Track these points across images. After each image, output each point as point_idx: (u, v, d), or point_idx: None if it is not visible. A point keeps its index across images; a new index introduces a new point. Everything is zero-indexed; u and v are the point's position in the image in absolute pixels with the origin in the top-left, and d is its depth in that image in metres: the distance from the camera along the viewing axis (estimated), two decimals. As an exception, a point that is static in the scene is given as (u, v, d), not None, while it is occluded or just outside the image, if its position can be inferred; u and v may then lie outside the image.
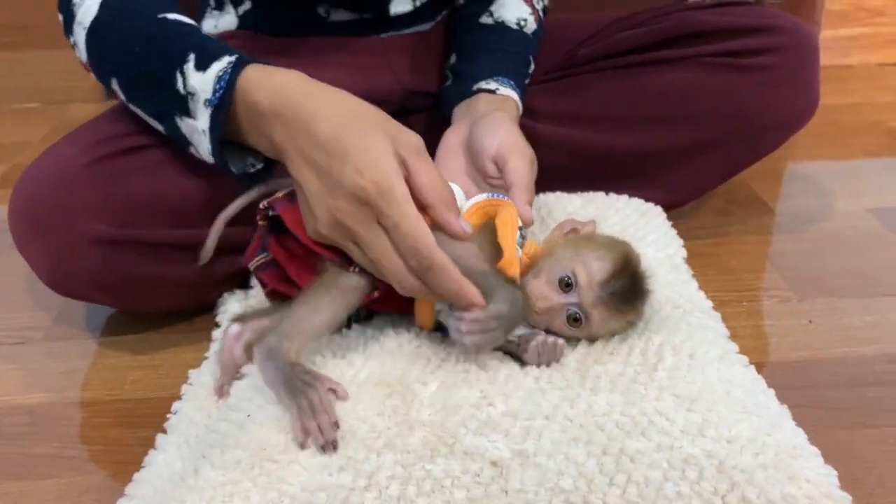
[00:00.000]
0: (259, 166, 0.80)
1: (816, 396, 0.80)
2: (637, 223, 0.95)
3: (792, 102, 1.00)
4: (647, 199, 1.02)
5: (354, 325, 0.76)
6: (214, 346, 0.84)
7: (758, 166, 1.11)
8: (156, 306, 0.91)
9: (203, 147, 0.77)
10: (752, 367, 0.75)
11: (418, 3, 1.04)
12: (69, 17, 0.85)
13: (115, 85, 0.83)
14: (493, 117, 0.89)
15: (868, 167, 1.33)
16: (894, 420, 0.77)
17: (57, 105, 1.69)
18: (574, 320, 0.72)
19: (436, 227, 0.68)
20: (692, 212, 1.15)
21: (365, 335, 0.75)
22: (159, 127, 0.83)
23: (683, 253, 0.94)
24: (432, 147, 0.94)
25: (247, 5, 1.03)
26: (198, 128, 0.76)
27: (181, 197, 0.85)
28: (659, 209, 1.01)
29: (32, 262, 0.84)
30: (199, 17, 1.08)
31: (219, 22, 1.06)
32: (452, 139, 0.91)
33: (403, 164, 0.68)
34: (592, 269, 0.71)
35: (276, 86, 0.72)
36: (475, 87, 0.96)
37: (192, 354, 0.87)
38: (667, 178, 1.05)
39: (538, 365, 0.71)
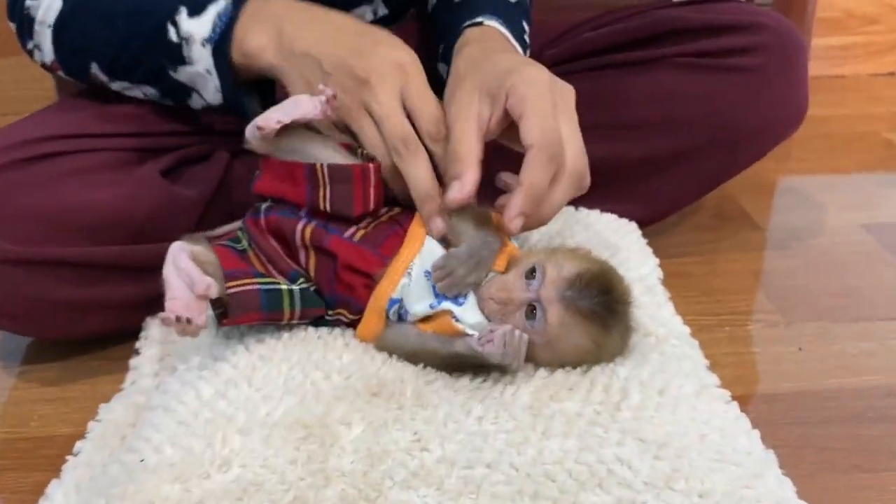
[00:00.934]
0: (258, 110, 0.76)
1: (806, 435, 0.71)
2: (608, 240, 0.86)
3: (778, 106, 0.92)
4: (622, 214, 0.93)
5: (279, 349, 0.67)
6: (131, 377, 0.75)
7: (745, 179, 1.04)
8: (69, 333, 0.82)
9: (210, 87, 0.78)
10: (735, 403, 0.65)
11: (379, 15, 0.95)
12: (26, 21, 0.82)
13: (94, 69, 0.82)
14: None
15: (862, 181, 1.25)
16: (895, 463, 0.68)
17: (11, 116, 1.59)
18: (531, 311, 0.63)
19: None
20: (673, 228, 1.06)
21: (289, 361, 0.65)
22: (152, 91, 0.83)
23: (659, 273, 0.84)
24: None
25: None
26: (199, 70, 0.77)
27: (95, 211, 0.77)
28: (633, 225, 0.92)
29: None
30: None
31: None
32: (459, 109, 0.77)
33: None
34: (563, 268, 0.63)
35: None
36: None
37: (108, 387, 0.77)
38: (643, 190, 0.96)
39: (501, 362, 0.62)
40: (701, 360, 0.70)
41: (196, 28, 0.76)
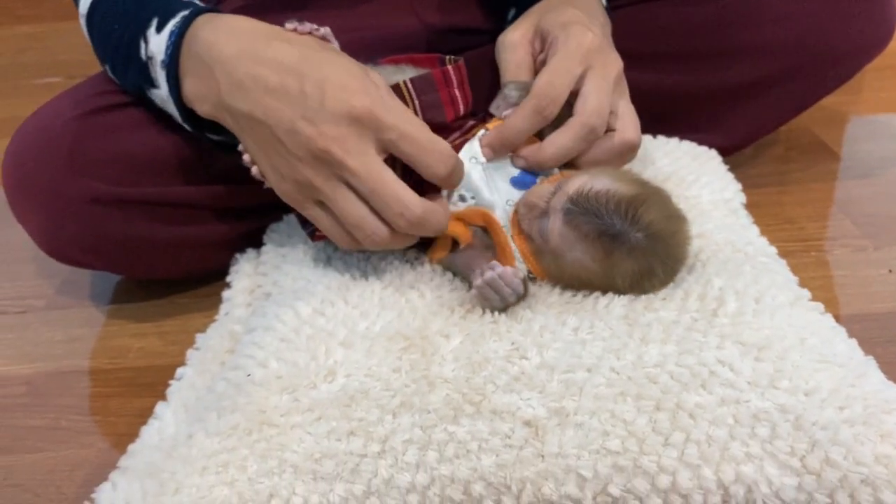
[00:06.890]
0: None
1: (905, 353, 0.70)
2: (689, 166, 0.85)
3: (865, 25, 0.88)
4: (702, 143, 0.92)
5: (369, 270, 0.69)
6: (225, 308, 0.77)
7: (818, 112, 1.02)
8: (160, 272, 0.84)
9: (176, 116, 0.72)
10: (830, 315, 0.64)
11: None
12: (77, 7, 0.80)
13: (108, 72, 0.78)
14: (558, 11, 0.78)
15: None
16: None
17: (80, 78, 1.61)
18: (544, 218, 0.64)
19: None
20: (749, 160, 1.04)
21: (382, 281, 0.66)
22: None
23: (742, 198, 0.83)
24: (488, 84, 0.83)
25: None
26: (163, 95, 0.70)
27: (181, 152, 0.77)
28: (714, 152, 0.90)
29: (27, 226, 0.78)
30: None
31: None
32: (510, 36, 0.79)
33: None
34: (588, 183, 0.62)
35: (228, 24, 0.67)
36: None
37: (201, 320, 0.80)
38: (724, 118, 0.94)
39: (490, 308, 0.63)
40: (791, 276, 0.70)
41: (157, 47, 0.68)
